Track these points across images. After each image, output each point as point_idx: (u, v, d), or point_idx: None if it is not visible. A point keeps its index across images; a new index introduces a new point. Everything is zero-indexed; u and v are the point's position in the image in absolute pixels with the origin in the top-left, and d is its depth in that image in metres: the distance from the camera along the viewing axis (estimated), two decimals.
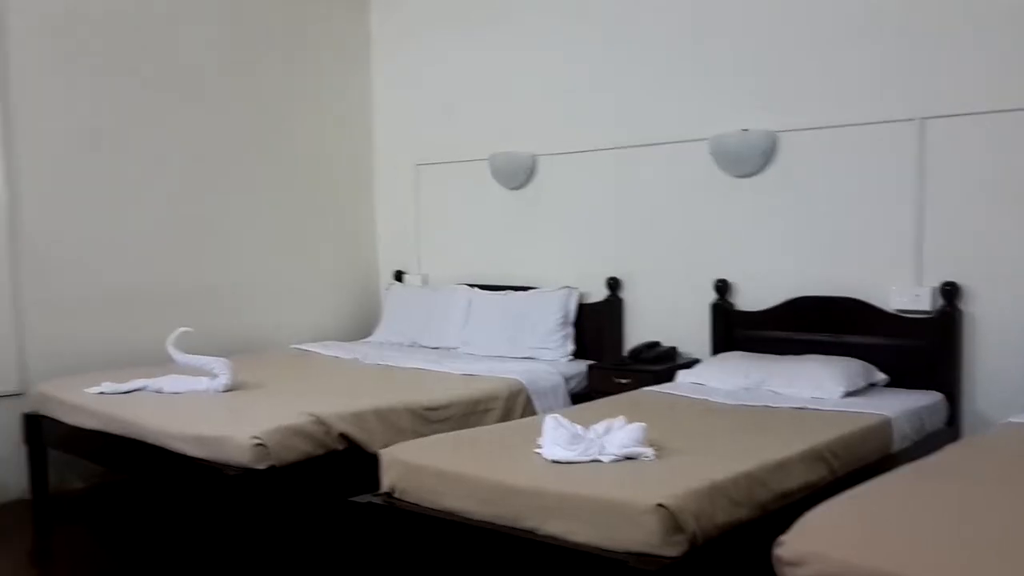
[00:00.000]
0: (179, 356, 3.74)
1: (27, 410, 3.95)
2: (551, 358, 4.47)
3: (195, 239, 4.87)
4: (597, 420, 2.77)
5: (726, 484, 2.37)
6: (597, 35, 4.61)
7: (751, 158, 4.03)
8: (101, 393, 3.63)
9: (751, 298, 4.11)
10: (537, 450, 2.65)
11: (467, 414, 3.66)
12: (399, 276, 5.59)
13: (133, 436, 3.31)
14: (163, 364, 3.91)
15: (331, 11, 5.51)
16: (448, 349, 4.89)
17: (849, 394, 3.43)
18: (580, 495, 2.29)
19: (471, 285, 5.08)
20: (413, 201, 5.52)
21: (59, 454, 3.92)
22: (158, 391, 3.65)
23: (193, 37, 4.85)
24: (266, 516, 2.98)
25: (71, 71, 4.39)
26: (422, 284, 5.46)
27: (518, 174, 4.91)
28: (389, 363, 4.42)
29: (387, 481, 2.74)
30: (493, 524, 2.43)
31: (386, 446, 2.96)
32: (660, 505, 2.15)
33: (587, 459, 2.55)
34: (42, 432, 3.87)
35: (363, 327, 5.57)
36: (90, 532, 3.90)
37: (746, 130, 4.02)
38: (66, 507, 4.11)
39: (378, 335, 5.30)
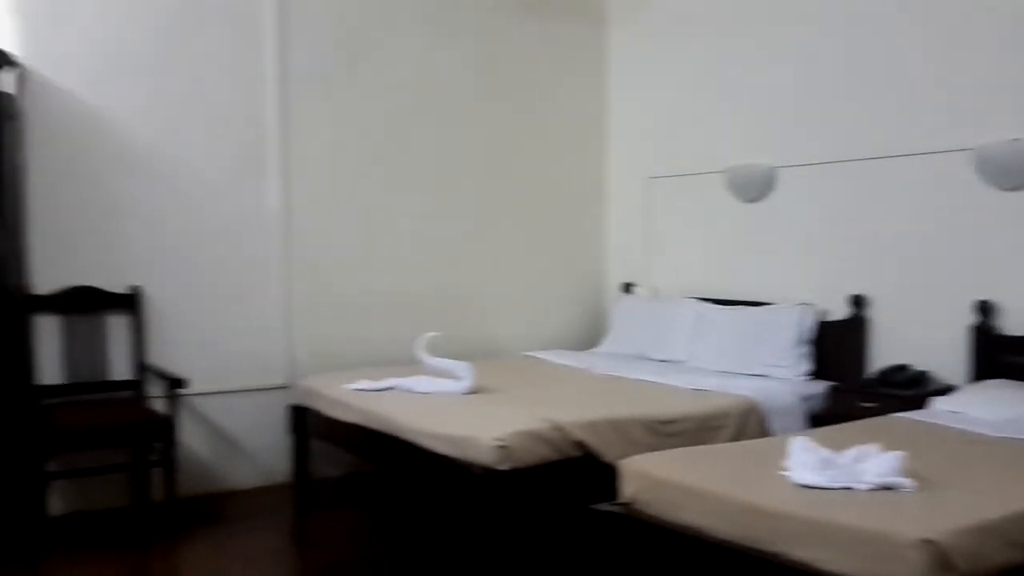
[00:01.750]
0: (428, 359, 3.99)
1: (293, 402, 4.36)
2: (785, 376, 4.32)
3: (442, 250, 5.20)
4: (846, 445, 2.66)
5: (1000, 523, 2.21)
6: (840, 39, 4.42)
7: (1023, 170, 3.71)
8: (359, 389, 3.93)
9: (1019, 322, 3.77)
10: (783, 472, 2.58)
11: (700, 429, 3.62)
12: (628, 288, 5.63)
13: (386, 431, 3.57)
14: (412, 364, 4.17)
15: (571, 28, 5.65)
16: (675, 362, 4.86)
17: None
18: (835, 523, 2.21)
19: (701, 299, 5.03)
20: (644, 214, 5.54)
21: (318, 443, 4.28)
22: (408, 390, 3.90)
23: (445, 62, 5.17)
24: (507, 515, 3.10)
25: (341, 88, 4.82)
26: (651, 296, 5.46)
27: (755, 187, 4.81)
28: (618, 374, 4.46)
29: (627, 491, 2.77)
30: (737, 544, 2.41)
31: (619, 456, 3.00)
32: (927, 540, 2.04)
33: (838, 486, 2.46)
34: (305, 422, 4.25)
35: (591, 337, 5.65)
36: (344, 517, 4.23)
37: (1017, 140, 3.71)
38: (324, 492, 4.48)
39: (606, 346, 5.36)
